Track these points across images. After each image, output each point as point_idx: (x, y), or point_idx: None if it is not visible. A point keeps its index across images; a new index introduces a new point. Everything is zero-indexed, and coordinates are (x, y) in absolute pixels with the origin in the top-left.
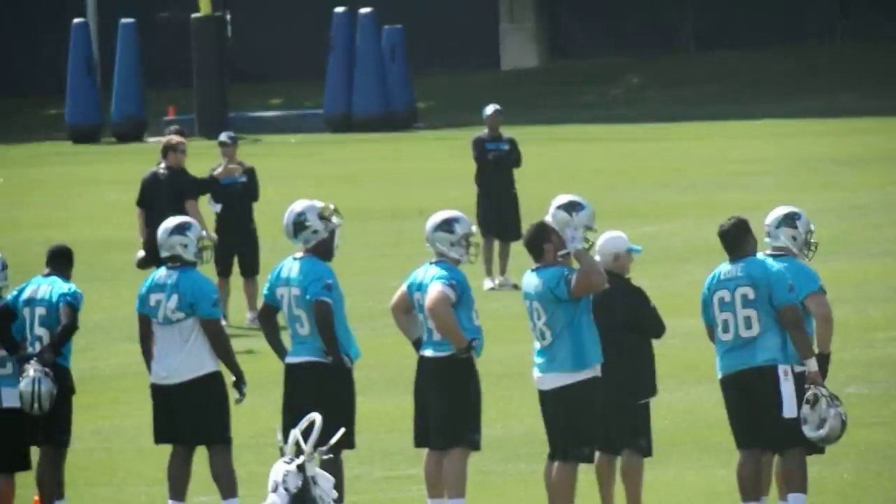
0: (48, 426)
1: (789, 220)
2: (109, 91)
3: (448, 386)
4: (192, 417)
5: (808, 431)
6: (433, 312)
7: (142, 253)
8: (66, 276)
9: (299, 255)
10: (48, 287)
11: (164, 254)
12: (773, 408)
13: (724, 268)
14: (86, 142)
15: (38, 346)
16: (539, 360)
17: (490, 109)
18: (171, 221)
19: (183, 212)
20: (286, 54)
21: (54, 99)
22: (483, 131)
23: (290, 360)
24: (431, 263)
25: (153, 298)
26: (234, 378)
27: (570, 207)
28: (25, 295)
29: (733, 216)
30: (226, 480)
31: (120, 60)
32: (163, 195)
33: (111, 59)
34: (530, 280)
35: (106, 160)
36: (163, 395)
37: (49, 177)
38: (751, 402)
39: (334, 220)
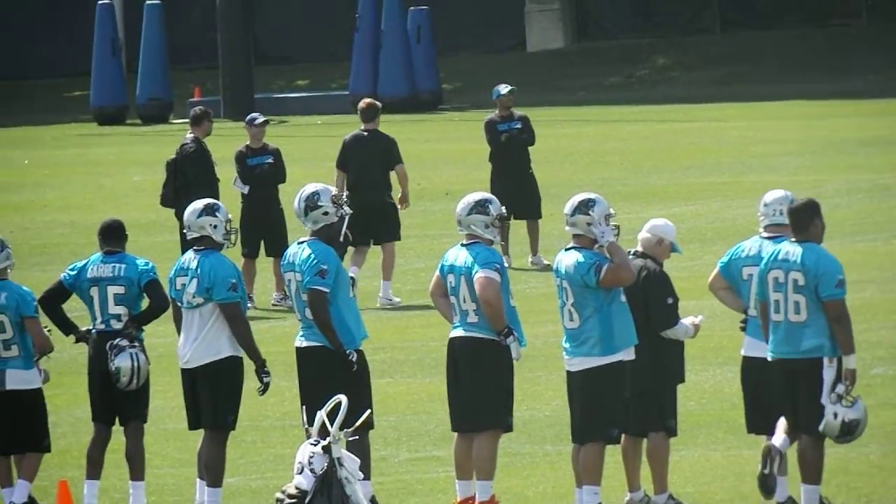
0: (135, 403)
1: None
2: (135, 73)
3: (481, 368)
4: (207, 402)
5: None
6: (486, 300)
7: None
8: (124, 250)
9: (304, 238)
10: (121, 264)
11: (192, 235)
12: (814, 394)
13: (785, 247)
14: (111, 123)
15: (114, 325)
16: (567, 343)
17: (504, 89)
18: (200, 203)
19: (386, 174)
20: (312, 35)
21: (80, 80)
22: (494, 113)
23: (299, 343)
24: (464, 245)
25: (179, 282)
26: (255, 365)
27: (585, 207)
28: (90, 274)
29: (806, 197)
30: (215, 469)
31: (145, 42)
32: (365, 156)
33: (137, 40)
34: (563, 259)
35: (131, 142)
36: (188, 379)
37: (74, 159)
38: (794, 388)
39: (346, 208)
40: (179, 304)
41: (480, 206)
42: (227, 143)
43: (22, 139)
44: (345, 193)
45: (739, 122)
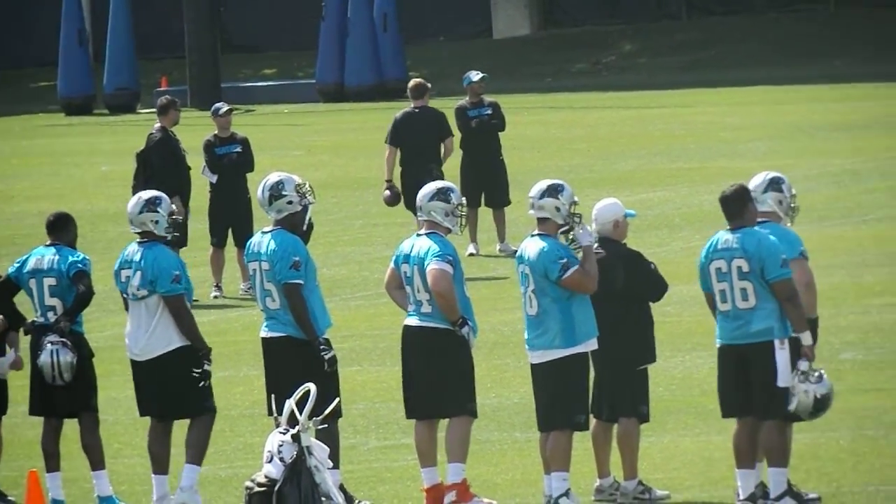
0: (78, 395)
1: (775, 184)
2: (102, 62)
3: (438, 355)
4: (165, 393)
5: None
6: (439, 292)
7: (387, 193)
8: (68, 243)
9: (268, 228)
10: (54, 256)
11: (134, 229)
12: (767, 378)
13: (722, 236)
14: (79, 113)
15: (50, 317)
16: (529, 333)
17: (476, 76)
18: (143, 196)
19: (438, 150)
20: (279, 24)
21: (47, 71)
22: (465, 100)
23: (264, 334)
24: (420, 235)
25: (123, 274)
26: (200, 353)
27: (554, 191)
28: (30, 266)
29: (735, 183)
30: (197, 449)
31: (112, 31)
32: (419, 132)
33: (103, 30)
34: (527, 245)
35: (99, 132)
36: (138, 371)
37: (42, 149)
38: (747, 372)
39: (309, 197)
40: (125, 296)
41: (442, 194)
42: (194, 132)
43: None
44: (308, 184)
45: (706, 108)
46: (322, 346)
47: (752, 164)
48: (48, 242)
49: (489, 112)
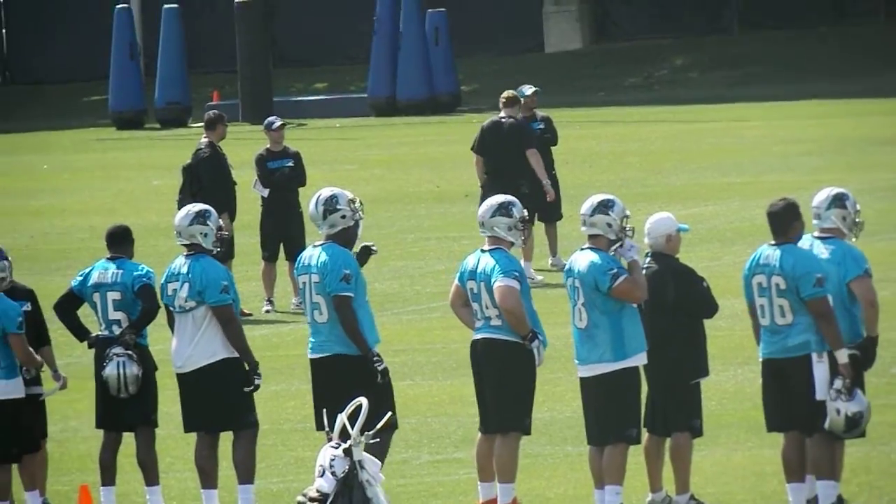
0: (139, 409)
1: (838, 200)
2: (153, 77)
3: (504, 370)
4: (209, 405)
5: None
6: (507, 309)
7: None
8: (129, 256)
9: (319, 242)
10: (118, 270)
11: (181, 241)
12: (805, 392)
13: (765, 251)
14: (130, 128)
15: (115, 330)
16: (578, 347)
17: (528, 90)
18: (192, 208)
19: (524, 158)
20: (330, 38)
21: (98, 85)
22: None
23: (311, 355)
24: (484, 251)
25: (170, 287)
26: (248, 367)
27: (605, 207)
28: (93, 280)
29: (784, 197)
30: (245, 467)
31: (163, 46)
32: (504, 142)
33: (155, 44)
34: (577, 258)
35: (150, 146)
36: (183, 384)
37: (93, 163)
38: (788, 386)
39: (360, 213)
40: (171, 308)
41: (504, 209)
42: (246, 146)
43: (41, 144)
44: (359, 200)
45: (758, 122)
46: (375, 358)
47: (803, 178)
48: (109, 256)
49: (542, 126)
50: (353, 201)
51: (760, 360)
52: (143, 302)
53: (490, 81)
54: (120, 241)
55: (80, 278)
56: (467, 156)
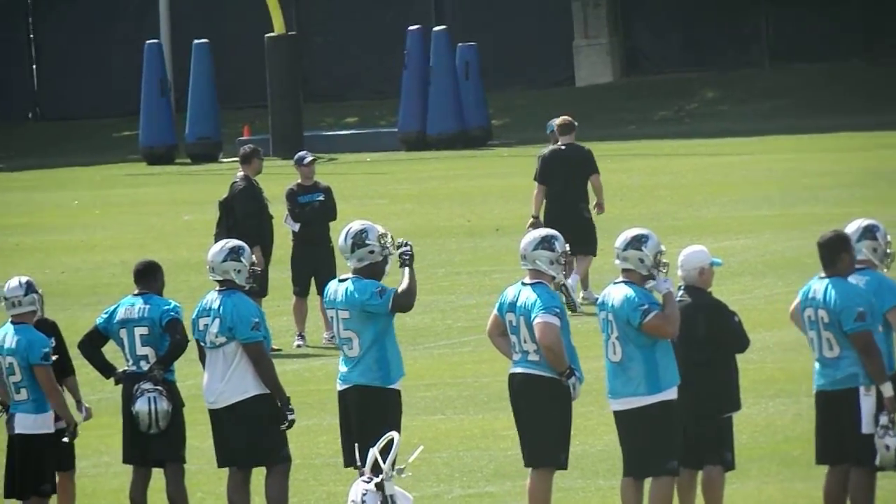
0: (166, 444)
1: (869, 232)
2: (184, 112)
3: (540, 405)
4: (241, 441)
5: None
6: (547, 345)
7: (531, 229)
8: (156, 291)
9: (346, 276)
10: (145, 305)
11: (214, 277)
12: (855, 425)
13: (814, 284)
14: (160, 163)
15: (143, 366)
16: (611, 381)
17: (558, 123)
18: (227, 244)
19: (585, 185)
20: (361, 73)
21: (128, 120)
22: (549, 147)
23: (341, 387)
24: (525, 284)
25: (202, 323)
26: (280, 404)
27: (638, 242)
28: (119, 316)
29: (835, 229)
30: (277, 502)
31: (194, 81)
32: (565, 169)
33: (185, 79)
34: (611, 292)
35: (180, 181)
36: (216, 420)
37: (124, 198)
38: (836, 419)
39: (390, 248)
40: (202, 344)
41: (546, 242)
42: (276, 181)
43: (71, 179)
44: (390, 233)
45: (788, 155)
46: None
47: (833, 210)
48: (136, 292)
49: None
50: (383, 236)
51: (814, 391)
52: (171, 336)
53: (521, 115)
54: (146, 277)
55: (106, 315)
56: (498, 190)
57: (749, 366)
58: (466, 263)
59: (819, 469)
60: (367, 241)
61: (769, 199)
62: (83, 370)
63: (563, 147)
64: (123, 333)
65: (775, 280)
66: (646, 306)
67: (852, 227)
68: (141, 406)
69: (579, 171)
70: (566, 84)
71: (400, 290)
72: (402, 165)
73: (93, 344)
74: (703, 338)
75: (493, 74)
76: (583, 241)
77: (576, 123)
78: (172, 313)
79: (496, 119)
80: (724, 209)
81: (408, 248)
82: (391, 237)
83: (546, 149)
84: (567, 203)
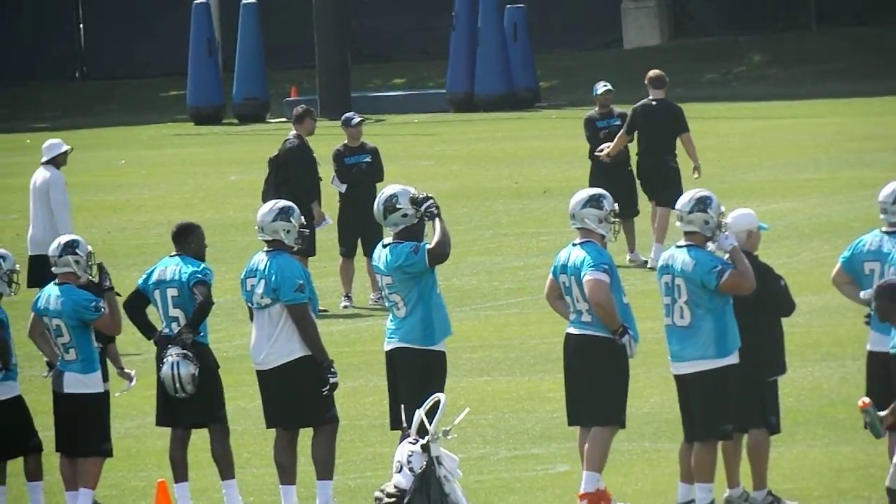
0: (204, 407)
1: None
2: (231, 72)
3: (595, 365)
4: (289, 402)
5: None
6: (596, 302)
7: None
8: (193, 253)
9: (388, 241)
10: (176, 267)
11: (263, 237)
12: None
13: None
14: (207, 123)
15: (174, 328)
16: (676, 344)
17: (601, 87)
18: (277, 204)
19: (673, 140)
20: (409, 34)
21: (176, 80)
22: (594, 110)
23: (387, 347)
24: (575, 245)
25: (248, 283)
26: (322, 366)
27: (702, 204)
28: (155, 277)
29: None
30: (324, 463)
31: (241, 41)
32: (655, 123)
33: (233, 39)
34: (677, 256)
35: (227, 141)
36: (263, 381)
37: (171, 158)
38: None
39: (431, 208)
40: (249, 305)
41: (595, 201)
42: (323, 141)
43: (118, 139)
44: (423, 193)
45: (836, 119)
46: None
47: (879, 174)
48: (173, 253)
49: (618, 122)
50: (415, 198)
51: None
52: (196, 298)
53: (568, 77)
54: (181, 239)
55: (145, 276)
56: (545, 151)
57: (795, 329)
58: (513, 225)
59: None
60: (399, 206)
61: (816, 162)
62: (128, 329)
63: (654, 102)
64: (157, 294)
65: (821, 244)
66: (719, 267)
67: (888, 190)
68: (164, 371)
69: (668, 127)
70: (614, 46)
71: (434, 242)
72: (450, 127)
73: (135, 304)
74: (750, 301)
75: (541, 36)
76: (668, 191)
77: (667, 79)
78: (199, 274)
79: (544, 81)
80: (771, 172)
81: (430, 201)
82: (425, 195)
83: (638, 103)
84: (654, 156)
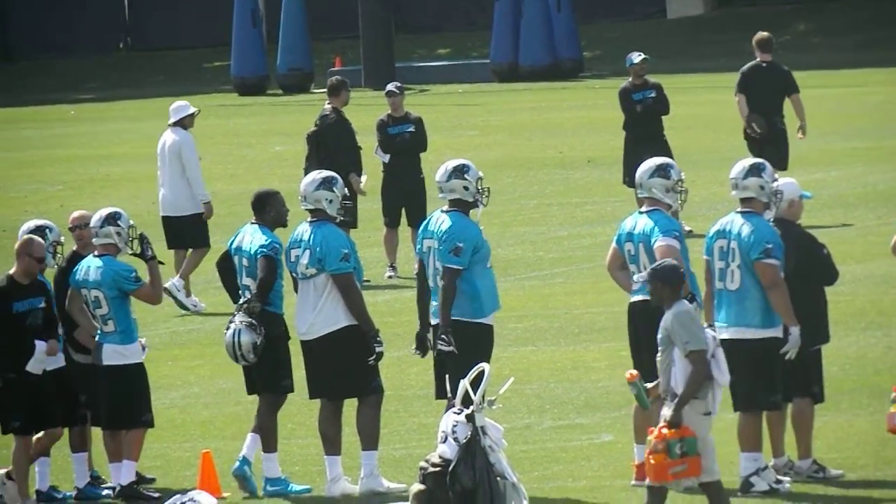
0: (264, 375)
1: None
2: (275, 43)
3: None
4: (333, 372)
5: None
6: None
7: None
8: (269, 221)
9: (446, 208)
10: (250, 238)
11: (306, 206)
12: None
13: None
14: (252, 94)
15: (247, 296)
16: (723, 309)
17: (637, 57)
18: (320, 174)
19: (781, 101)
20: (453, 4)
21: (220, 51)
22: (628, 81)
23: (434, 320)
24: (641, 213)
25: (293, 254)
26: (368, 336)
27: (756, 170)
28: (235, 243)
29: None
30: (369, 433)
31: (286, 12)
32: (762, 84)
33: (277, 10)
34: (736, 221)
35: (272, 112)
36: (307, 351)
37: (215, 129)
38: None
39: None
40: (294, 275)
41: (662, 170)
42: (368, 112)
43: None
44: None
45: (881, 88)
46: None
47: None
48: (253, 220)
49: (653, 95)
50: (481, 181)
51: None
52: (260, 273)
53: (612, 47)
54: (256, 207)
55: (232, 240)
56: (589, 121)
57: (840, 298)
58: (558, 195)
59: None
60: (467, 177)
61: (861, 131)
62: (166, 302)
63: (763, 64)
64: (236, 260)
65: (867, 212)
66: (770, 246)
67: None
68: (227, 338)
69: (778, 88)
70: (657, 16)
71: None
72: (494, 97)
73: (225, 266)
74: (792, 271)
75: (585, 7)
76: (777, 152)
77: (774, 40)
78: (265, 249)
79: (588, 51)
80: (816, 142)
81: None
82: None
83: (747, 65)
84: (763, 117)
